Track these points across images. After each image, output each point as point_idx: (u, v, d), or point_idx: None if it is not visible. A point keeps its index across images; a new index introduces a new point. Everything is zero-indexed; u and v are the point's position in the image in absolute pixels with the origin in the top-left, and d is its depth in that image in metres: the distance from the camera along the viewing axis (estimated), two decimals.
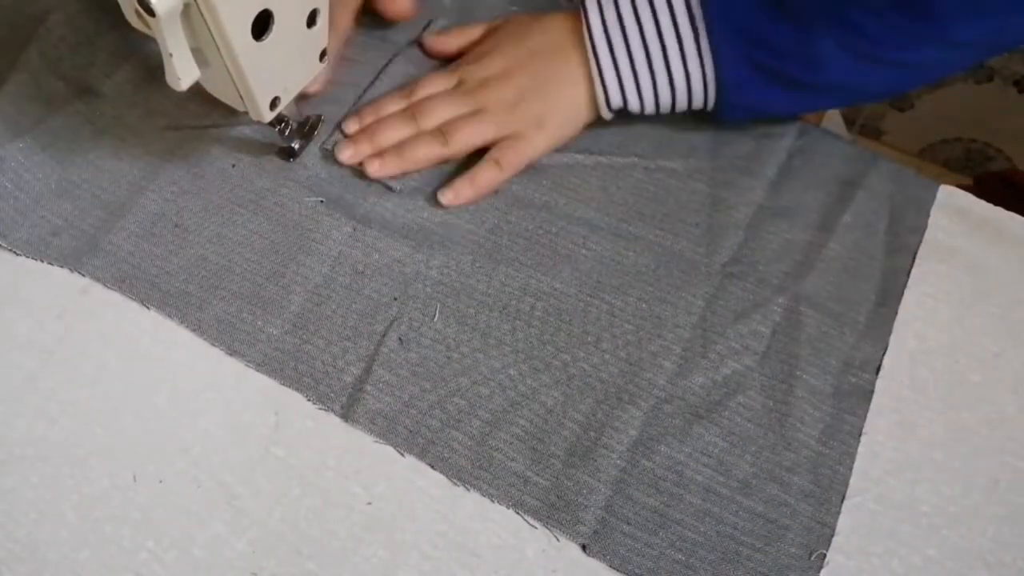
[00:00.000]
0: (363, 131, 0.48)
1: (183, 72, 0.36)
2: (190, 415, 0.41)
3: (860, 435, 0.40)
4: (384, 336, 0.42)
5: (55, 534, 0.38)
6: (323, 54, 0.44)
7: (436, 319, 0.43)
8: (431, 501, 0.39)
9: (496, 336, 0.42)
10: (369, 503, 0.39)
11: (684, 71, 0.45)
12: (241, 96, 0.40)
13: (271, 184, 0.47)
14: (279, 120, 0.44)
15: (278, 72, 0.41)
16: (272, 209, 0.46)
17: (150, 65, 0.50)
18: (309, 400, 0.41)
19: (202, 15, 0.34)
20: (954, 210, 0.48)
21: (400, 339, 0.42)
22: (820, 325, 0.43)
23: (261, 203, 0.46)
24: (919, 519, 0.39)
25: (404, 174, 0.47)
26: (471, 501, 0.39)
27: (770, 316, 0.43)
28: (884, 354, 0.43)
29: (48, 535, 0.38)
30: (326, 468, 0.39)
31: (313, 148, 0.48)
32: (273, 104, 0.42)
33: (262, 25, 0.38)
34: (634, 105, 0.47)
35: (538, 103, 0.47)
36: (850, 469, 0.39)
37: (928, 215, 0.47)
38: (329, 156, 0.47)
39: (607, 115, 0.48)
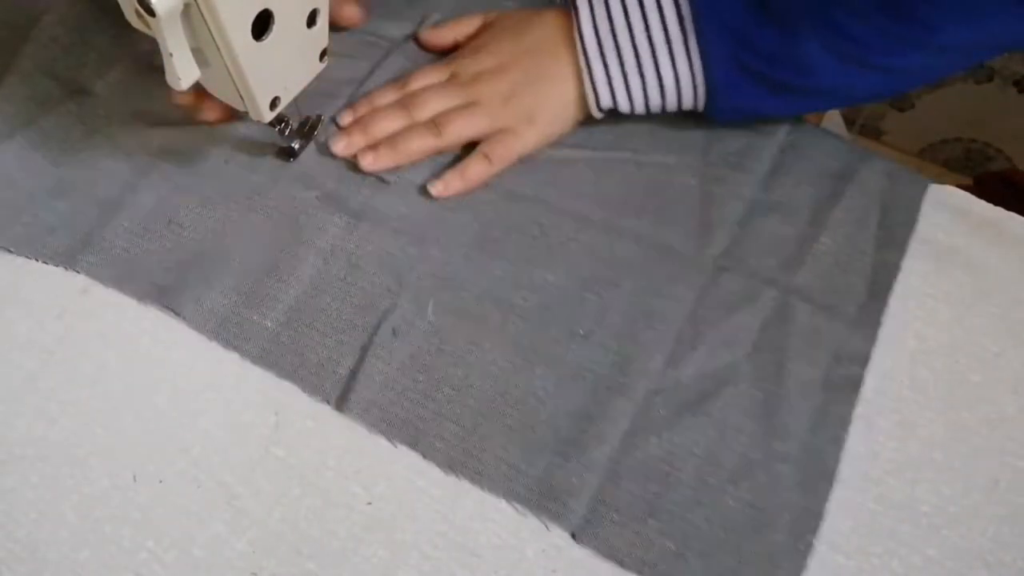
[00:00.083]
0: (356, 122, 0.48)
1: (183, 72, 0.36)
2: (190, 415, 0.41)
3: (849, 425, 0.41)
4: (378, 328, 0.42)
5: (55, 534, 0.38)
6: (323, 54, 0.44)
7: (429, 311, 0.43)
8: (431, 501, 0.39)
9: (489, 328, 0.43)
10: (369, 503, 0.39)
11: (673, 73, 0.45)
12: (241, 96, 0.40)
13: (265, 179, 0.47)
14: (279, 120, 0.44)
15: (278, 72, 0.41)
16: (267, 204, 0.46)
17: (142, 64, 0.50)
18: (305, 391, 0.41)
19: (202, 15, 0.34)
20: (954, 210, 0.48)
21: (393, 330, 0.42)
22: (811, 318, 0.43)
23: (256, 198, 0.46)
24: (919, 519, 0.39)
25: (398, 167, 0.47)
26: (471, 501, 0.39)
27: (761, 309, 0.43)
28: (873, 346, 0.43)
29: (48, 535, 0.38)
30: (326, 468, 0.39)
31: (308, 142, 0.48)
32: (273, 104, 0.42)
33: (262, 25, 0.38)
34: (624, 106, 0.47)
35: (529, 99, 0.47)
36: (837, 459, 0.40)
37: (918, 210, 0.47)
38: (323, 149, 0.48)
39: (597, 115, 0.48)
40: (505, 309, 0.43)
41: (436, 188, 0.46)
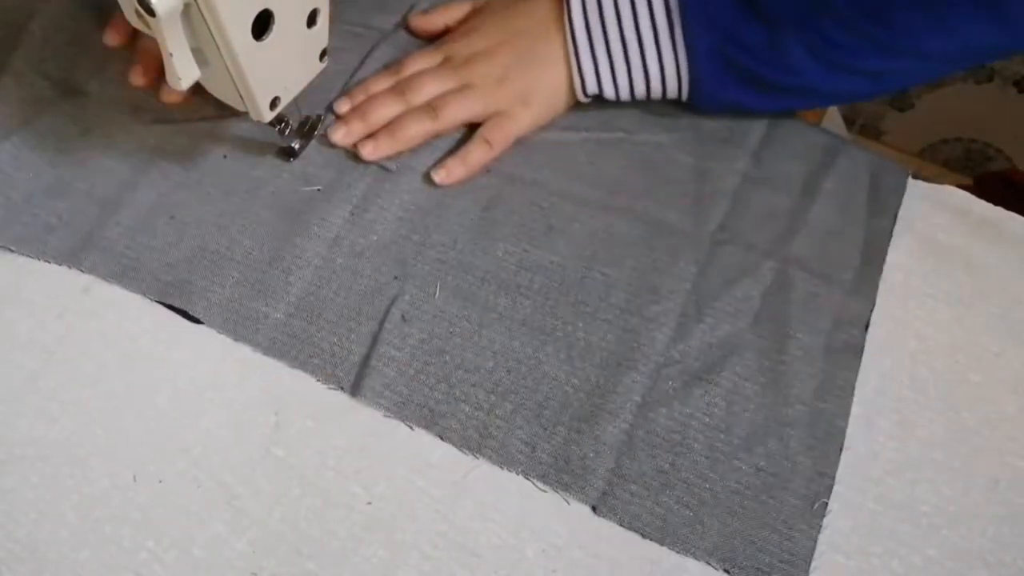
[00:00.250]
0: (354, 110, 0.48)
1: (183, 72, 0.36)
2: (190, 415, 0.41)
3: (854, 389, 0.41)
4: (387, 314, 0.43)
5: (55, 534, 0.38)
6: (323, 54, 0.44)
7: (437, 296, 0.43)
8: (431, 501, 0.39)
9: (497, 310, 0.43)
10: (369, 503, 0.39)
11: (659, 63, 0.46)
12: (241, 96, 0.40)
13: (265, 173, 0.47)
14: (279, 120, 0.44)
15: (278, 72, 0.41)
16: (268, 197, 0.46)
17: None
18: (318, 380, 0.41)
19: (202, 15, 0.35)
20: (954, 210, 0.48)
21: (403, 316, 0.43)
22: (809, 286, 0.44)
23: (257, 192, 0.47)
24: (919, 519, 0.39)
25: (398, 154, 0.48)
26: (471, 501, 0.39)
27: (760, 279, 0.44)
28: (872, 310, 0.44)
29: (48, 535, 0.38)
30: (326, 468, 0.39)
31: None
32: (273, 104, 0.42)
33: (262, 25, 0.38)
34: (609, 92, 0.48)
35: (522, 81, 0.48)
36: (846, 421, 0.40)
37: (907, 176, 0.48)
38: (322, 140, 0.48)
39: (583, 99, 0.49)
40: (511, 290, 0.44)
41: (439, 175, 0.47)
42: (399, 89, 0.48)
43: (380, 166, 0.47)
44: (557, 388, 0.41)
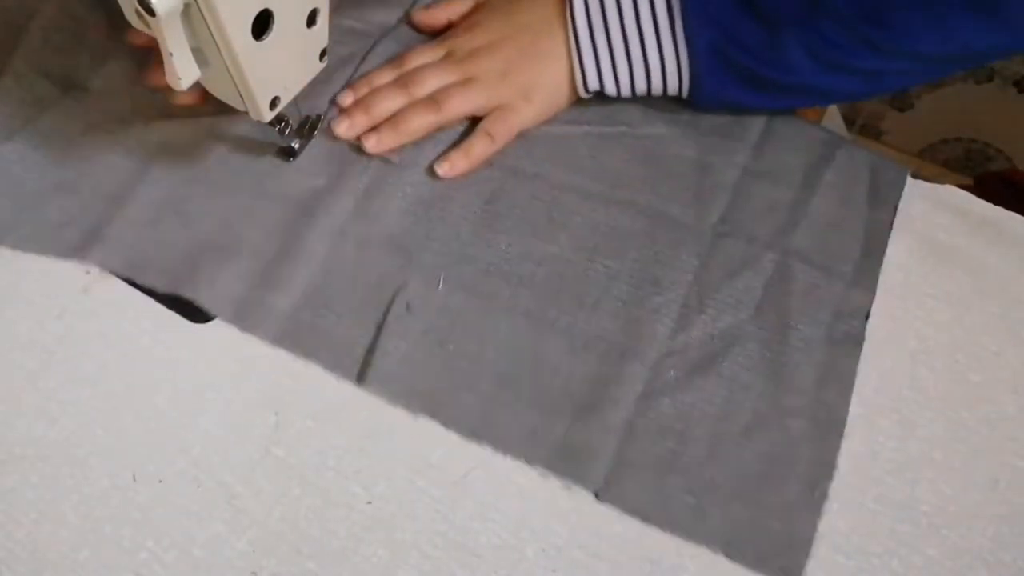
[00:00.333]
0: (357, 103, 0.48)
1: (183, 72, 0.36)
2: (190, 415, 0.41)
3: (854, 379, 0.42)
4: (391, 305, 0.43)
5: (55, 534, 0.38)
6: (323, 53, 0.44)
7: (440, 287, 0.44)
8: (431, 501, 0.39)
9: (500, 301, 0.44)
10: (369, 503, 0.39)
11: (660, 60, 0.46)
12: (241, 96, 0.40)
13: (270, 166, 0.47)
14: (279, 120, 0.44)
15: (278, 72, 0.41)
16: (273, 190, 0.47)
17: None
18: (326, 369, 0.41)
19: (202, 15, 0.34)
20: (954, 210, 0.48)
21: (407, 307, 0.43)
22: (809, 277, 0.45)
23: (262, 185, 0.47)
24: (919, 519, 0.39)
25: (401, 147, 0.48)
26: (471, 501, 0.39)
27: (761, 271, 0.45)
28: (872, 301, 0.44)
29: (48, 535, 0.38)
30: (326, 468, 0.39)
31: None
32: (273, 104, 0.42)
33: (262, 25, 0.38)
34: (610, 89, 0.48)
35: (524, 76, 0.48)
36: (847, 410, 0.41)
37: (907, 171, 0.49)
38: (326, 132, 0.48)
39: (584, 95, 0.49)
40: (514, 282, 0.44)
41: (442, 168, 0.47)
42: (402, 82, 0.48)
43: (383, 159, 0.48)
44: (559, 378, 0.41)
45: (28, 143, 0.47)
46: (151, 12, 0.32)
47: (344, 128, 0.47)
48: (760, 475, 0.39)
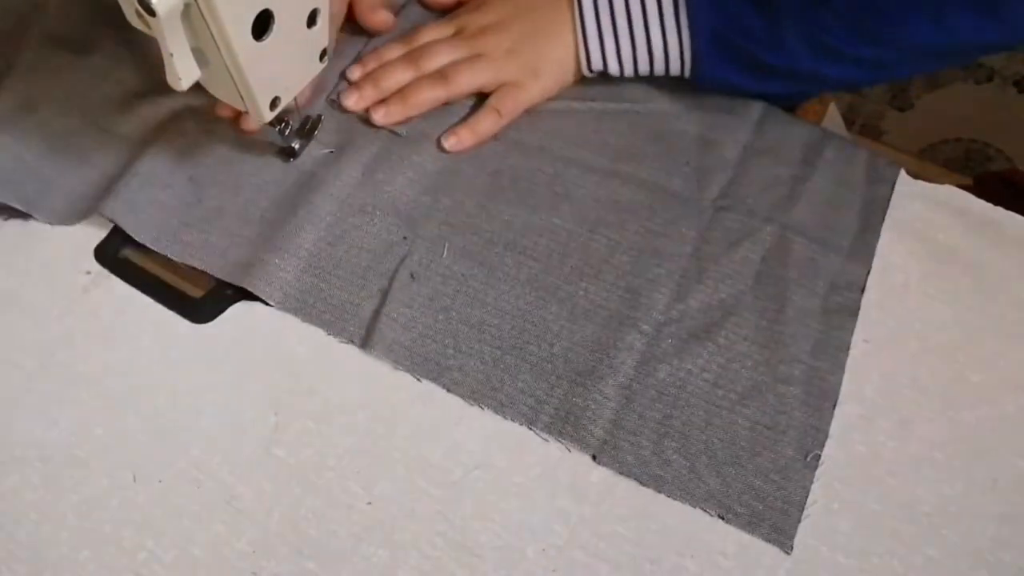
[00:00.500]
0: (367, 77, 0.49)
1: (183, 72, 0.36)
2: (190, 415, 0.41)
3: (848, 348, 0.43)
4: (396, 272, 0.44)
5: (55, 534, 0.38)
6: (323, 54, 0.44)
7: (445, 255, 0.45)
8: (431, 501, 0.39)
9: (503, 270, 0.44)
10: (369, 503, 0.39)
11: (662, 40, 0.47)
12: (241, 96, 0.40)
13: (280, 138, 0.48)
14: (279, 120, 0.44)
15: (278, 72, 0.41)
16: (283, 158, 0.47)
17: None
18: (329, 333, 0.42)
19: (202, 15, 0.34)
20: (954, 210, 0.48)
21: (412, 274, 0.44)
22: (807, 251, 0.46)
23: (271, 153, 0.47)
24: (919, 519, 0.39)
25: (408, 119, 0.49)
26: (471, 501, 0.39)
27: (760, 244, 0.46)
28: (868, 274, 0.45)
29: (48, 535, 0.38)
30: (326, 468, 0.39)
31: (319, 99, 0.49)
32: (273, 104, 0.42)
33: (262, 25, 0.38)
34: (613, 68, 0.49)
35: (531, 53, 0.49)
36: (840, 379, 0.42)
37: (900, 169, 0.49)
38: (335, 104, 0.49)
39: (588, 75, 0.50)
40: (517, 252, 0.45)
41: (449, 142, 0.48)
42: (411, 57, 0.49)
43: (391, 131, 0.48)
44: (560, 344, 0.42)
45: (50, 114, 0.49)
46: (151, 12, 0.32)
47: (353, 101, 0.48)
48: (754, 440, 0.40)
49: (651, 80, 0.51)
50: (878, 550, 0.38)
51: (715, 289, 0.44)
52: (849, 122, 1.29)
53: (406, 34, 0.51)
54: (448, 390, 0.41)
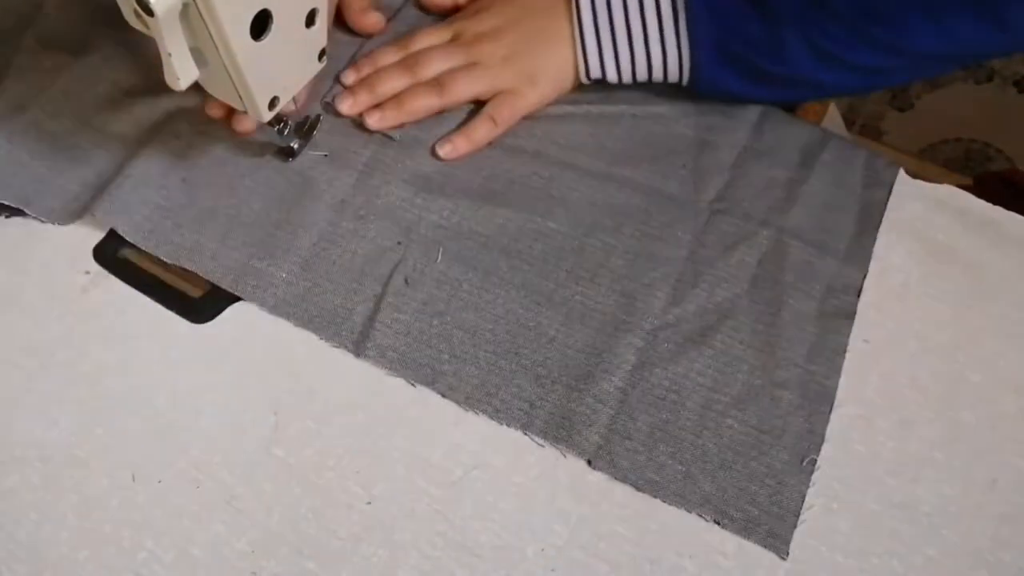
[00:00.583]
0: (361, 82, 0.49)
1: (182, 72, 0.36)
2: (190, 415, 0.41)
3: (844, 352, 0.43)
4: (390, 277, 0.44)
5: (55, 534, 0.38)
6: (322, 53, 0.44)
7: (439, 260, 0.44)
8: (431, 501, 0.39)
9: (498, 275, 0.44)
10: (369, 503, 0.39)
11: (661, 49, 0.47)
12: (240, 96, 0.40)
13: (273, 137, 0.47)
14: (278, 120, 0.44)
15: (277, 72, 0.41)
16: (277, 161, 0.47)
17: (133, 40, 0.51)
18: (322, 339, 0.42)
19: (201, 15, 0.34)
20: (954, 210, 0.48)
21: (406, 279, 0.44)
22: (803, 254, 0.46)
23: (266, 155, 0.47)
24: (919, 519, 0.39)
25: (402, 125, 0.48)
26: (471, 501, 0.39)
27: (756, 247, 0.46)
28: (864, 278, 0.45)
29: (48, 535, 0.38)
30: (326, 468, 0.39)
31: (314, 104, 0.49)
32: (272, 104, 0.42)
33: (261, 25, 0.38)
34: (612, 76, 0.49)
35: (528, 61, 0.49)
36: (836, 383, 0.42)
37: (899, 168, 0.49)
38: (330, 108, 0.49)
39: (586, 82, 0.50)
40: (511, 256, 0.45)
41: (444, 150, 0.48)
42: (407, 64, 0.49)
43: (385, 135, 0.48)
44: (555, 349, 0.42)
45: (43, 113, 0.49)
46: (149, 12, 0.32)
47: (347, 106, 0.48)
48: (750, 445, 0.40)
49: (648, 84, 0.50)
50: (877, 550, 0.38)
51: (711, 293, 0.44)
52: (849, 122, 1.29)
53: (402, 38, 0.51)
54: (443, 395, 0.41)
